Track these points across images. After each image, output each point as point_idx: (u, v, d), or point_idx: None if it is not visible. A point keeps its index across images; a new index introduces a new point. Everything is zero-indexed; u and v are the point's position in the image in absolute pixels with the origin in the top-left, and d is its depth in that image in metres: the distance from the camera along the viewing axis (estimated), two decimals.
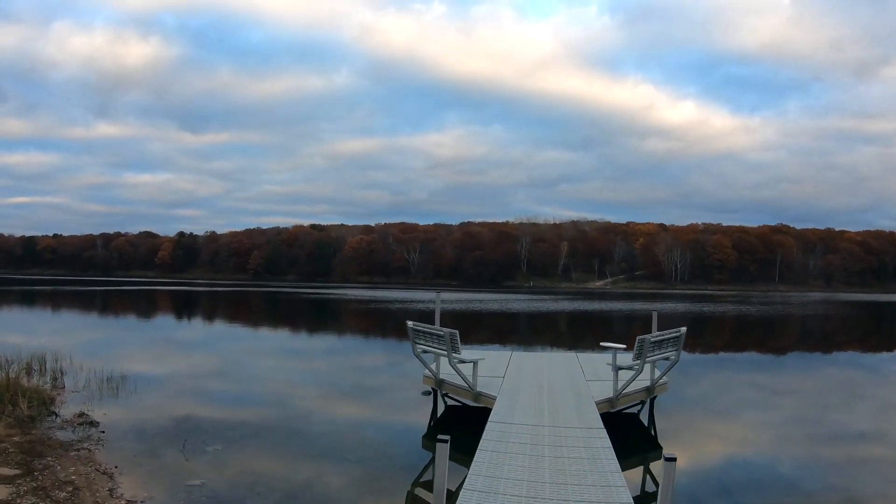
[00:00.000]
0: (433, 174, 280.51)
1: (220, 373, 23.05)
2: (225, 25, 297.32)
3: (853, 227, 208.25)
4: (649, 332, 15.96)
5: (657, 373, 14.93)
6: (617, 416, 14.19)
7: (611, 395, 13.92)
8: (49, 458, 11.16)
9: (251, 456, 12.36)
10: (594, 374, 16.78)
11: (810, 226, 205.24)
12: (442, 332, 13.74)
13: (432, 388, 15.82)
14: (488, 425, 11.21)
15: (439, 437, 8.07)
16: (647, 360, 13.39)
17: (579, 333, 42.08)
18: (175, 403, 16.73)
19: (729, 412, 17.91)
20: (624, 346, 15.09)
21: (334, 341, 35.87)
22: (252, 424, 14.84)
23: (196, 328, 41.95)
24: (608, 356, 15.57)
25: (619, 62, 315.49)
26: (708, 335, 39.90)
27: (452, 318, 42.96)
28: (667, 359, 14.18)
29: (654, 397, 15.40)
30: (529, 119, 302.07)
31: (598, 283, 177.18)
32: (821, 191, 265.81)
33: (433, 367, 15.11)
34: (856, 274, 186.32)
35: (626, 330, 44.14)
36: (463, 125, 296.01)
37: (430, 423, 15.35)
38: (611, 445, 10.10)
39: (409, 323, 14.57)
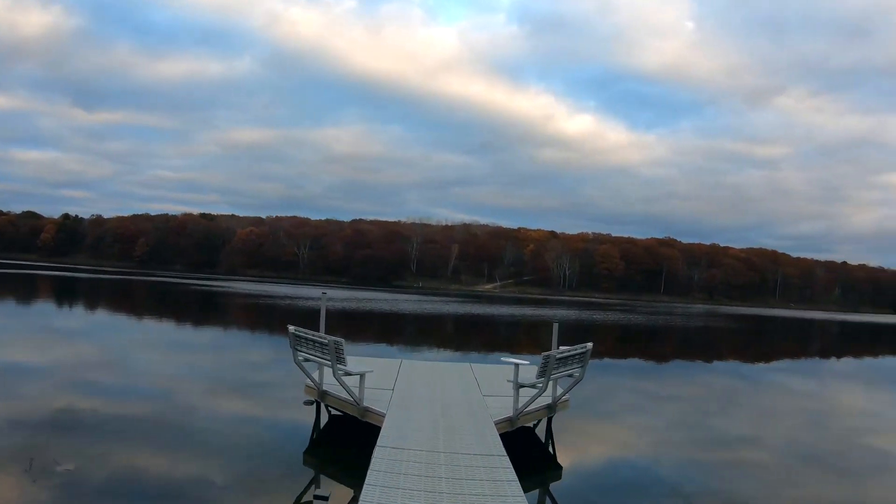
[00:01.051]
0: (329, 169, 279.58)
1: (102, 364, 22.40)
2: (127, 1, 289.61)
3: (737, 244, 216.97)
4: (540, 339, 16.03)
5: (559, 389, 14.22)
6: (514, 431, 13.21)
7: (510, 413, 12.94)
8: None
9: (134, 450, 12.11)
10: (491, 388, 15.78)
11: (696, 241, 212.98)
12: (325, 340, 12.45)
13: (315, 399, 14.53)
14: (376, 451, 10.00)
15: (316, 494, 8.12)
16: (552, 377, 12.78)
17: (471, 339, 42.14)
18: (53, 396, 16.28)
19: (613, 417, 18.40)
20: (527, 360, 14.13)
21: (221, 335, 35.39)
22: (134, 418, 14.50)
23: (77, 317, 40.85)
24: (505, 368, 15.31)
25: (523, 71, 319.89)
26: (593, 342, 40.61)
27: (340, 319, 42.90)
28: (570, 375, 13.62)
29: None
30: (429, 121, 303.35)
31: (487, 287, 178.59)
32: (708, 208, 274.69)
33: (316, 376, 13.94)
34: (737, 288, 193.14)
35: (516, 335, 44.81)
36: (363, 122, 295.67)
37: (312, 435, 14.31)
38: (515, 477, 9.20)
39: (291, 328, 13.27)
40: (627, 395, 22.26)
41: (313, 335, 13.00)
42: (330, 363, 12.46)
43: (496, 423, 12.33)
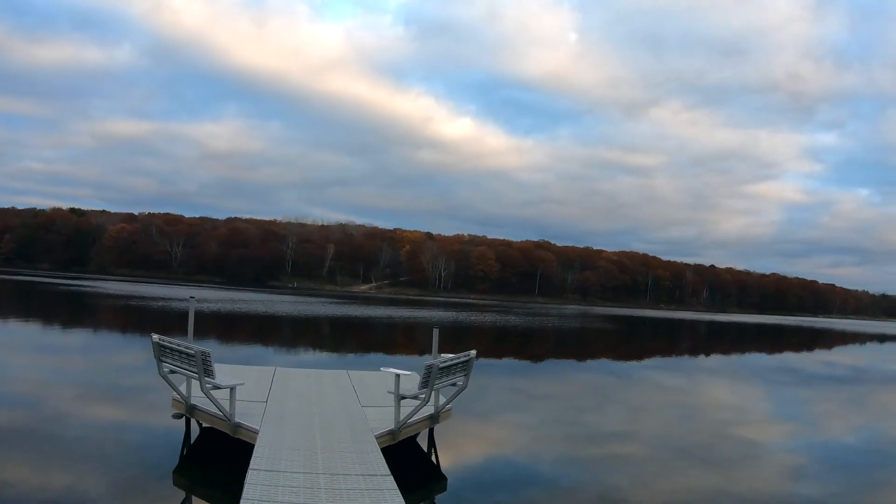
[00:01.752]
0: (205, 166, 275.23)
1: None
2: None
3: (610, 248, 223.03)
4: (418, 341, 16.04)
5: (442, 398, 13.63)
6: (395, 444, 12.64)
7: (392, 426, 12.42)
8: None
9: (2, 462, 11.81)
10: (369, 398, 15.18)
11: (571, 244, 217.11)
12: (192, 351, 11.52)
13: (184, 414, 13.40)
14: (249, 475, 9.24)
15: None
16: (435, 387, 12.26)
17: (347, 342, 41.84)
18: None
19: (491, 417, 18.72)
20: (408, 371, 13.83)
21: (89, 338, 34.45)
22: (2, 428, 14.11)
23: None
24: (383, 376, 14.88)
25: (406, 73, 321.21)
26: (468, 342, 41.01)
27: (213, 321, 42.46)
28: (454, 384, 13.09)
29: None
30: (310, 119, 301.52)
31: (363, 287, 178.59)
32: (583, 213, 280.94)
33: (183, 389, 12.99)
34: (610, 290, 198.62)
35: (393, 337, 44.97)
36: (241, 118, 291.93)
37: (182, 451, 13.36)
38: (400, 497, 8.82)
39: (154, 337, 12.17)
40: (504, 395, 22.69)
41: (178, 345, 11.97)
42: (197, 376, 11.55)
43: (377, 438, 11.87)
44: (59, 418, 15.41)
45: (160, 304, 58.91)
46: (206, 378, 11.55)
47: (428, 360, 12.94)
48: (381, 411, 13.68)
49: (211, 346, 26.62)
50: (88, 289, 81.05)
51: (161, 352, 12.15)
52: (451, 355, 13.12)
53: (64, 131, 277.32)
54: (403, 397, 12.49)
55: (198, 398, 12.66)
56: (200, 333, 31.61)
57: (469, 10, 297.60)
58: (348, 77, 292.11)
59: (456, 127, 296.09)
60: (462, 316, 72.62)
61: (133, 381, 20.98)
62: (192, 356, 11.47)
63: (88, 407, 17.04)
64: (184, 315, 41.69)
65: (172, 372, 12.25)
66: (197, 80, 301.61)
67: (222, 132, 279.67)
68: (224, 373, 13.73)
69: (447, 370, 12.54)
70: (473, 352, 13.26)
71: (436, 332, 15.38)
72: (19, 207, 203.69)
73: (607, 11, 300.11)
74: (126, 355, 27.80)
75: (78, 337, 34.41)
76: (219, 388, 11.89)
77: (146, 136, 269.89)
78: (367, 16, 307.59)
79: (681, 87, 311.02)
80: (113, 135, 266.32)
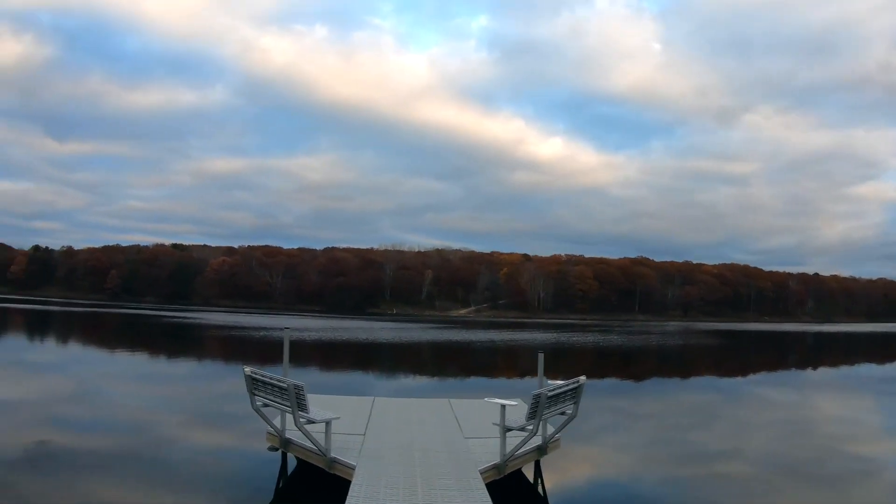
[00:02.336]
0: (300, 198, 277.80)
1: (75, 398, 22.33)
2: (101, 29, 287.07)
3: (710, 261, 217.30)
4: (520, 364, 15.62)
5: (550, 428, 12.90)
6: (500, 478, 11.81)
7: (497, 460, 11.66)
8: None
9: (107, 485, 11.95)
10: (473, 428, 14.41)
11: (669, 259, 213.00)
12: (285, 385, 11.20)
13: (278, 448, 13.00)
14: None
15: None
16: (544, 417, 11.57)
17: (449, 367, 41.15)
18: (26, 431, 16.09)
19: (592, 439, 18.23)
20: (514, 401, 12.82)
21: (194, 367, 35.03)
22: (109, 453, 14.37)
23: (49, 350, 40.48)
24: (486, 405, 13.97)
25: (493, 96, 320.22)
26: (570, 363, 40.44)
27: (313, 350, 42.60)
28: (563, 413, 12.33)
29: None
30: (401, 147, 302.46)
31: (462, 312, 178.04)
32: (679, 226, 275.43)
33: (278, 422, 12.65)
34: (712, 304, 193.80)
35: (496, 362, 44.52)
36: (334, 150, 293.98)
37: (277, 485, 13.13)
38: None
39: (246, 370, 11.92)
40: (607, 416, 22.17)
41: (271, 379, 11.67)
42: (291, 410, 11.23)
43: (482, 472, 11.13)
44: (163, 444, 15.64)
45: (261, 333, 59.46)
46: (300, 412, 11.25)
47: (532, 384, 12.57)
48: (486, 443, 12.93)
49: (309, 376, 26.75)
50: (192, 320, 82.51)
51: (253, 385, 11.92)
52: (559, 382, 12.50)
53: (163, 171, 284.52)
54: (510, 429, 11.75)
55: (292, 432, 12.23)
56: (300, 362, 31.85)
57: (551, 29, 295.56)
58: (436, 104, 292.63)
59: (547, 147, 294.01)
60: (563, 337, 71.69)
61: (233, 409, 21.01)
62: (285, 389, 11.16)
63: (190, 434, 17.21)
64: (283, 344, 42.12)
65: (266, 405, 12.01)
66: (289, 115, 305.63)
67: (316, 164, 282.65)
68: (321, 404, 13.36)
69: (556, 399, 11.76)
70: (583, 378, 12.64)
71: (541, 357, 14.40)
72: (123, 245, 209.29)
73: (689, 19, 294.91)
74: (227, 384, 27.98)
75: (181, 367, 34.96)
76: (313, 422, 11.54)
77: (242, 172, 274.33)
78: (451, 43, 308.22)
79: (771, 90, 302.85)
80: (210, 172, 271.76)
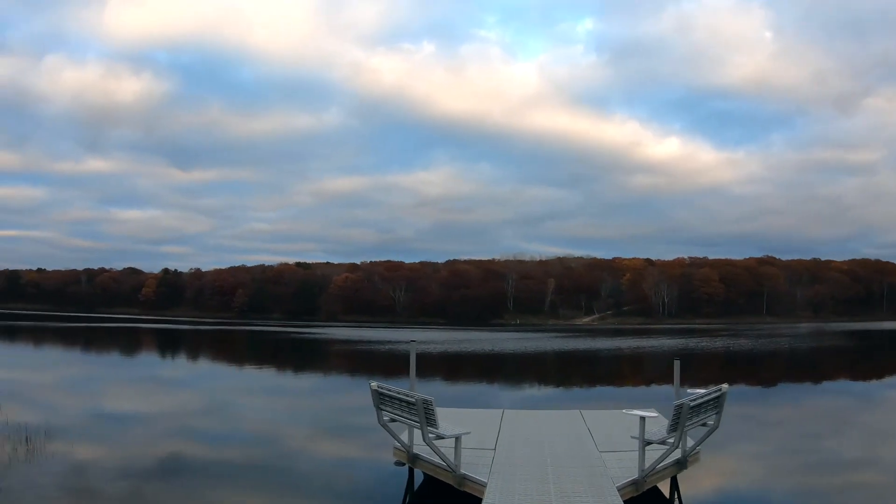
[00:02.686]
0: (420, 212, 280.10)
1: (206, 411, 22.80)
2: (216, 62, 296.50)
3: (839, 257, 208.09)
4: (649, 371, 14.92)
5: (689, 441, 12.11)
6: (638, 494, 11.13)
7: (636, 475, 10.98)
8: None
9: (237, 495, 12.02)
10: (607, 440, 13.73)
11: (796, 257, 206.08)
12: (413, 399, 10.82)
13: (406, 462, 12.68)
14: None
15: None
16: (685, 429, 10.86)
17: (577, 377, 40.00)
18: (161, 443, 16.42)
19: (722, 447, 17.54)
20: (654, 412, 12.34)
21: (320, 381, 35.43)
22: (238, 463, 14.53)
23: (180, 367, 41.57)
24: (619, 415, 13.49)
25: (606, 100, 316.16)
26: (698, 369, 39.39)
27: (439, 362, 42.48)
28: (704, 424, 11.59)
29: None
30: (517, 157, 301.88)
31: (586, 320, 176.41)
32: (805, 222, 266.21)
33: (405, 437, 12.25)
34: (844, 303, 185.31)
35: (623, 369, 43.64)
36: (450, 163, 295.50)
37: (403, 501, 12.76)
38: None
39: (373, 385, 11.68)
40: (736, 424, 21.33)
41: (398, 393, 11.32)
42: (419, 424, 10.85)
43: (619, 490, 10.47)
44: (291, 456, 15.73)
45: (386, 347, 59.78)
46: (429, 427, 10.80)
47: (664, 392, 12.06)
48: (622, 457, 12.22)
49: (436, 389, 26.56)
50: (316, 336, 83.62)
51: (380, 400, 11.63)
52: (700, 391, 11.68)
53: (285, 192, 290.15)
54: (649, 443, 10.98)
55: (420, 447, 11.88)
56: (426, 375, 31.75)
57: (658, 26, 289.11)
58: (549, 111, 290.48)
59: (664, 148, 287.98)
60: (691, 342, 70.14)
61: (359, 421, 20.95)
62: (413, 404, 10.79)
63: (318, 446, 17.27)
64: (408, 357, 42.18)
65: (393, 420, 11.68)
66: (403, 132, 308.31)
67: (434, 178, 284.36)
68: (449, 418, 12.78)
69: (698, 409, 10.96)
70: (725, 386, 11.89)
71: (677, 365, 13.87)
72: (249, 265, 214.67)
73: (798, 3, 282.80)
74: (353, 397, 28.07)
75: (308, 381, 35.38)
76: (442, 437, 11.07)
77: (362, 190, 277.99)
78: (558, 49, 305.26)
79: (891, 72, 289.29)
80: (330, 191, 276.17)
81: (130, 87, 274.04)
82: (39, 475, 13.32)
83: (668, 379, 13.34)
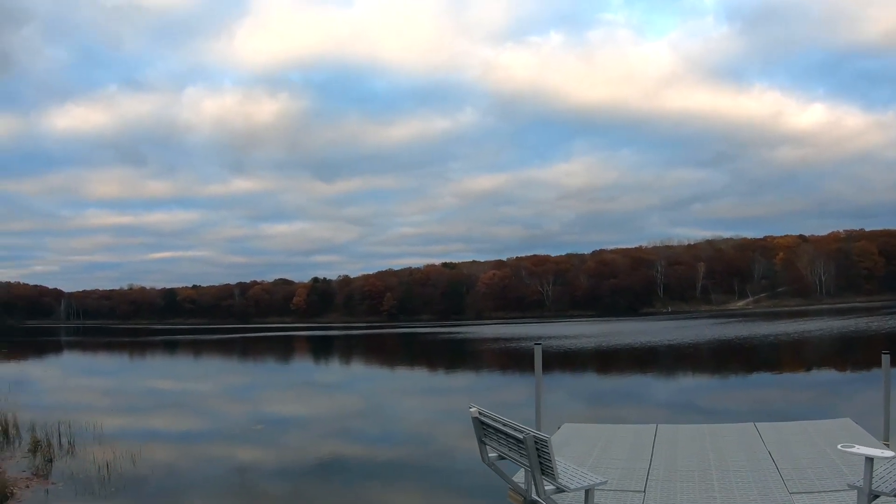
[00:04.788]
0: (564, 204, 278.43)
1: (361, 413, 23.09)
2: (348, 77, 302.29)
3: None
4: (831, 365, 11.90)
5: None
6: None
7: None
8: None
9: (395, 493, 12.04)
10: (795, 469, 10.27)
11: None
12: (521, 435, 8.00)
13: None
14: None
15: None
16: None
17: (742, 373, 33.86)
18: (319, 444, 16.67)
19: None
20: (887, 450, 7.82)
21: (471, 379, 35.28)
22: (395, 463, 14.62)
23: (334, 371, 42.23)
24: (807, 433, 11.22)
25: (743, 71, 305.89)
26: (866, 355, 36.99)
27: (585, 359, 41.29)
28: None
29: None
30: (657, 140, 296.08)
31: (740, 304, 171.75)
32: None
33: (521, 478, 9.37)
34: None
35: (795, 361, 40.38)
36: (591, 153, 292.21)
37: None
38: None
39: (472, 410, 9.10)
40: None
41: (504, 424, 8.59)
42: (530, 468, 8.04)
43: None
44: (446, 455, 15.66)
45: (533, 344, 58.81)
46: (544, 477, 7.99)
47: (863, 395, 9.74)
48: (821, 500, 8.91)
49: (581, 389, 26.02)
50: (466, 335, 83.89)
51: (483, 431, 9.13)
52: None
53: (428, 196, 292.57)
54: (877, 495, 7.37)
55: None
56: (571, 374, 31.22)
57: None
58: (685, 89, 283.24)
59: (808, 116, 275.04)
60: (860, 324, 65.31)
61: (513, 417, 20.72)
62: (522, 441, 7.98)
63: (472, 444, 16.96)
64: (557, 354, 41.68)
65: (501, 458, 8.99)
66: (540, 125, 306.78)
67: (575, 169, 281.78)
68: (585, 441, 11.56)
69: None
70: None
71: (886, 360, 11.42)
72: (396, 269, 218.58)
73: None
74: (503, 394, 27.99)
75: (459, 379, 35.29)
76: (565, 490, 8.13)
77: (503, 187, 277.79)
78: (688, 23, 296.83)
79: None
80: (472, 191, 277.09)
81: (269, 109, 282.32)
82: (203, 478, 13.82)
83: (861, 376, 11.03)
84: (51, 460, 15.38)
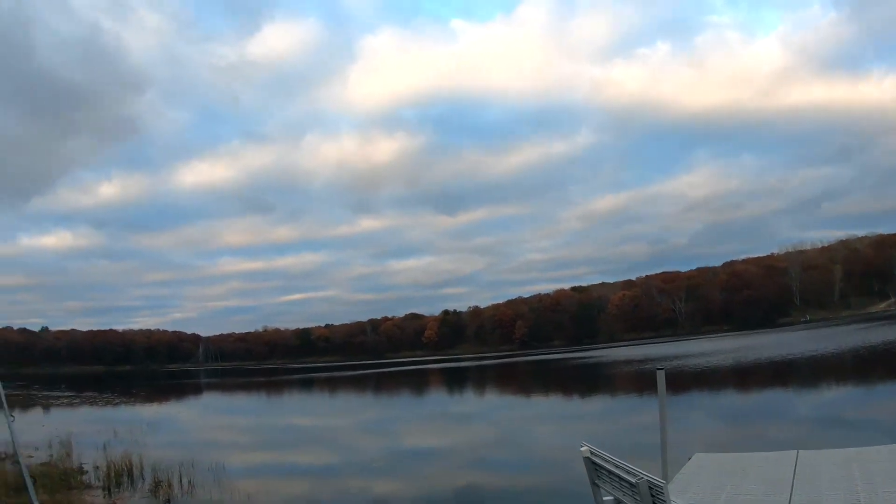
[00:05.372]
0: (689, 217, 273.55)
1: (496, 442, 23.14)
2: (461, 109, 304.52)
3: None
4: None
5: None
6: None
7: None
8: None
9: None
10: None
11: None
12: (634, 479, 7.33)
13: None
14: None
15: None
16: None
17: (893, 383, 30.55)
18: (455, 474, 16.72)
19: None
20: None
21: (606, 403, 34.94)
22: (534, 490, 14.49)
23: (467, 401, 42.46)
24: None
25: (857, 57, 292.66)
26: None
27: (713, 380, 39.49)
28: None
29: None
30: (777, 140, 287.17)
31: (882, 306, 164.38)
32: None
33: None
34: None
35: None
36: (712, 161, 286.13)
37: None
38: None
39: (584, 449, 8.53)
40: None
41: (616, 465, 7.88)
42: None
43: None
44: (584, 481, 15.24)
45: (670, 363, 58.02)
46: None
47: None
48: None
49: (717, 414, 25.14)
50: (599, 358, 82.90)
51: (595, 472, 8.60)
52: None
53: (552, 220, 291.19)
54: None
55: None
56: (709, 390, 30.52)
57: None
58: (800, 84, 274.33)
59: None
60: None
61: (650, 442, 20.34)
62: (634, 486, 7.34)
63: None
64: (693, 373, 40.81)
65: (619, 502, 8.04)
66: (658, 138, 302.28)
67: (697, 180, 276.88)
68: (719, 469, 10.78)
69: None
70: None
71: None
72: (525, 296, 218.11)
73: None
74: (640, 417, 27.33)
75: (594, 404, 35.02)
76: None
77: (626, 204, 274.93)
78: (795, 14, 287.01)
79: None
80: (595, 212, 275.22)
81: (387, 148, 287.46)
82: None
83: None
84: (168, 501, 16.02)
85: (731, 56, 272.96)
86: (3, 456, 20.49)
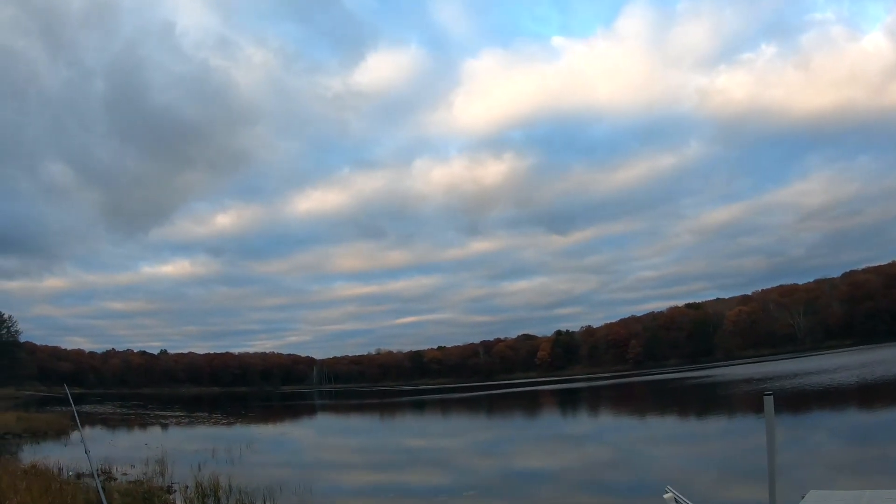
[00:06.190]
0: (806, 226, 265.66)
1: (612, 463, 23.03)
2: (568, 127, 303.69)
3: None
4: None
5: None
6: None
7: None
8: None
9: None
10: None
11: None
12: None
13: None
14: None
15: None
16: None
17: None
18: (569, 495, 16.61)
19: None
20: None
21: (725, 424, 34.18)
22: None
23: (581, 422, 42.21)
24: None
25: None
26: None
27: (836, 400, 37.71)
28: None
29: None
30: (894, 140, 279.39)
31: None
32: None
33: None
34: None
35: None
36: (827, 166, 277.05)
37: None
38: None
39: (668, 496, 8.74)
40: None
41: None
42: None
43: None
44: (703, 500, 15.07)
45: (790, 382, 56.15)
46: None
47: None
48: None
49: (839, 438, 24.25)
50: (716, 378, 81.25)
51: None
52: None
53: (664, 236, 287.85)
54: None
55: None
56: (834, 410, 29.61)
57: None
58: None
59: None
60: None
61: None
62: None
63: (729, 489, 16.46)
64: (813, 392, 39.60)
65: None
66: (769, 145, 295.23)
67: (813, 187, 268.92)
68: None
69: None
70: None
71: None
72: (639, 314, 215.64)
73: None
74: (759, 438, 26.61)
75: (712, 425, 34.32)
76: None
77: (740, 216, 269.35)
78: None
79: None
80: (709, 225, 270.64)
81: (496, 170, 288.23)
82: None
83: None
84: None
85: (839, 54, 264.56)
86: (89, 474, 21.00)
